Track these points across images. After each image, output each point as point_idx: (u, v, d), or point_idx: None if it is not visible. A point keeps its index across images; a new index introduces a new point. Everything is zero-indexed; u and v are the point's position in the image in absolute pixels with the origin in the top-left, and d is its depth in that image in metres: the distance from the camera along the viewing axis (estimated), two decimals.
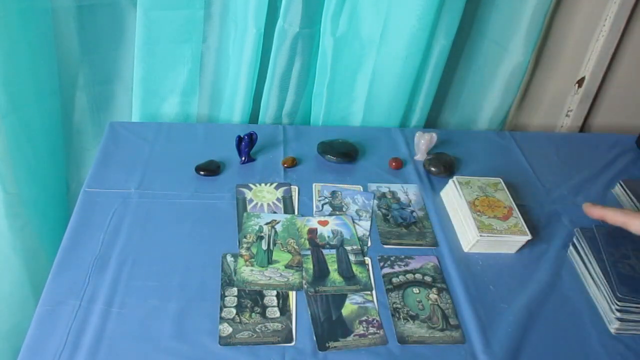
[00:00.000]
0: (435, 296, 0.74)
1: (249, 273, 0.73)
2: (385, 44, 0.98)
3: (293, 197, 0.87)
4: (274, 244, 0.78)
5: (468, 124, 1.16)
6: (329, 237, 0.81)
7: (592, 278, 0.77)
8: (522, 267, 0.80)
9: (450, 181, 0.88)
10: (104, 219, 0.79)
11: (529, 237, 0.79)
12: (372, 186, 0.92)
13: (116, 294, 0.68)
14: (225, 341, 0.65)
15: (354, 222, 0.84)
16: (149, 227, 0.79)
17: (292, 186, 0.89)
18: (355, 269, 0.76)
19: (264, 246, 0.78)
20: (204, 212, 0.82)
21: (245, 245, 0.77)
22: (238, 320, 0.67)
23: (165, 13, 0.94)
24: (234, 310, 0.68)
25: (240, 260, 0.75)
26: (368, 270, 0.76)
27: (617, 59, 1.13)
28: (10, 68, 0.87)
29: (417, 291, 0.74)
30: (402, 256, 0.79)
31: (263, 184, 0.89)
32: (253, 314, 0.68)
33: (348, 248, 0.79)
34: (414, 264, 0.78)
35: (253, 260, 0.75)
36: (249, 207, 0.84)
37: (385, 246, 0.81)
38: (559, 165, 1.02)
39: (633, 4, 1.03)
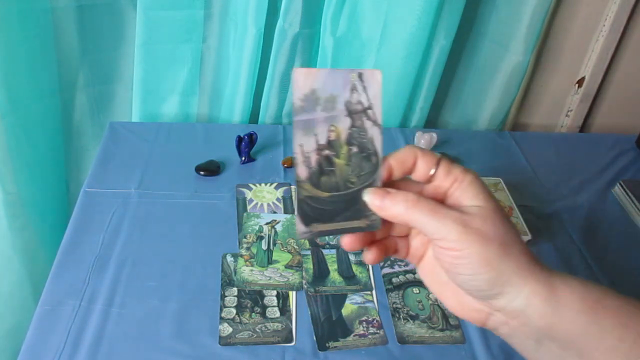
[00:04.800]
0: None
1: (249, 273, 0.73)
2: (385, 44, 0.97)
3: (293, 197, 0.87)
4: (274, 244, 0.78)
5: (468, 124, 1.16)
6: (329, 236, 0.81)
7: None
8: None
9: None
10: (104, 219, 0.79)
11: (529, 237, 0.79)
12: None
13: (116, 294, 0.68)
14: (225, 341, 0.65)
15: None
16: (149, 227, 0.79)
17: (292, 186, 0.89)
18: (355, 269, 0.76)
19: (264, 246, 0.78)
20: (204, 212, 0.82)
21: (245, 245, 0.77)
22: (238, 320, 0.67)
23: (165, 13, 0.94)
24: (234, 310, 0.68)
25: (240, 260, 0.75)
26: (368, 270, 0.76)
27: (617, 59, 1.13)
28: (10, 68, 0.87)
29: (417, 291, 0.74)
30: None
31: (263, 184, 0.89)
32: (253, 314, 0.68)
33: None
34: None
35: (253, 260, 0.75)
36: (249, 207, 0.84)
37: None
38: (559, 165, 1.02)
39: (633, 4, 1.03)
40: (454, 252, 0.35)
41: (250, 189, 0.88)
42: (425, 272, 0.41)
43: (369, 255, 0.40)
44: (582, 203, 0.93)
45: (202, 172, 0.89)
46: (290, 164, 0.93)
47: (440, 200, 0.37)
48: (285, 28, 0.95)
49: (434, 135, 0.97)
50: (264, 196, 0.87)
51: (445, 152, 0.98)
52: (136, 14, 0.93)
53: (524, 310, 0.35)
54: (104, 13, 0.97)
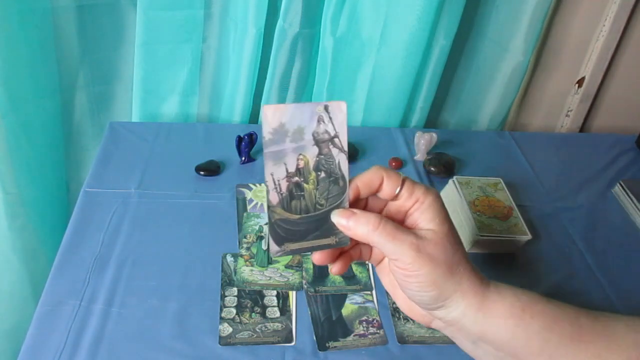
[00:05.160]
0: None
1: (249, 273, 0.73)
2: (385, 44, 0.98)
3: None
4: None
5: (468, 124, 1.16)
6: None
7: None
8: (522, 267, 0.80)
9: (450, 181, 0.88)
10: (104, 219, 0.79)
11: (529, 237, 0.79)
12: None
13: (116, 294, 0.68)
14: (225, 341, 0.65)
15: None
16: (149, 227, 0.79)
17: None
18: (355, 269, 0.76)
19: (264, 246, 0.78)
20: (204, 212, 0.82)
21: (245, 245, 0.77)
22: (238, 320, 0.67)
23: (165, 13, 0.94)
24: (234, 310, 0.68)
25: (240, 260, 0.75)
26: (368, 270, 0.76)
27: (617, 59, 1.13)
28: (10, 68, 0.87)
29: None
30: None
31: (263, 184, 0.89)
32: (253, 314, 0.68)
33: None
34: None
35: (253, 260, 0.75)
36: (249, 207, 0.84)
37: None
38: (559, 165, 1.02)
39: (633, 4, 1.03)
40: (406, 272, 0.39)
41: (250, 189, 0.88)
42: (382, 274, 0.46)
43: (334, 268, 0.44)
44: (582, 203, 0.93)
45: (202, 172, 0.89)
46: None
47: (402, 219, 0.42)
48: (285, 28, 0.95)
49: (434, 135, 0.97)
50: (264, 196, 0.87)
51: (445, 152, 0.98)
52: (136, 14, 0.93)
53: (460, 320, 0.40)
54: (104, 13, 0.97)
